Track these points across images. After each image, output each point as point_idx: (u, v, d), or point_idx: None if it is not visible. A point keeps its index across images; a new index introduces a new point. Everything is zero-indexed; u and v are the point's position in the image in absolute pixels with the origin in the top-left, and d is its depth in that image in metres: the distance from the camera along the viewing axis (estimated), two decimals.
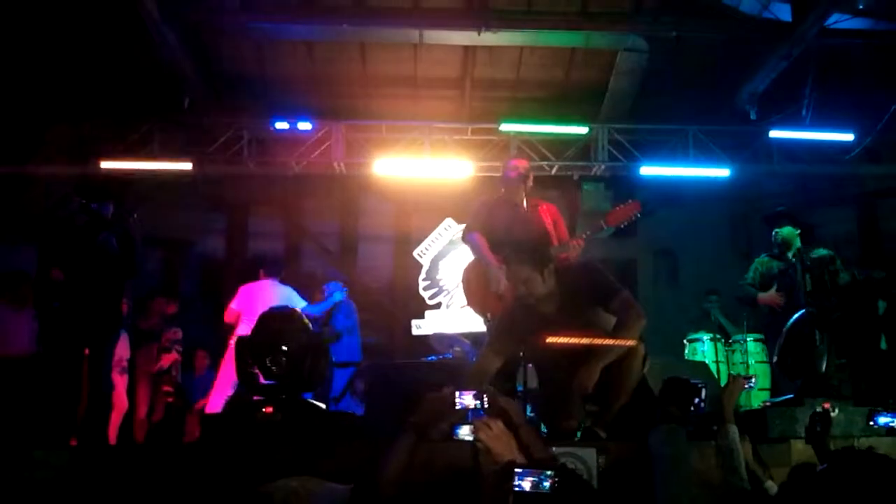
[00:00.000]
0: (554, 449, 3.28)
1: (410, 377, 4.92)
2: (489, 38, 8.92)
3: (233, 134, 9.55)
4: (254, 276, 7.24)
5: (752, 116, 9.62)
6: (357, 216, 11.00)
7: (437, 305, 10.40)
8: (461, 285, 5.38)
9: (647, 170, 9.68)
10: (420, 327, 10.06)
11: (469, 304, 5.29)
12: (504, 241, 4.69)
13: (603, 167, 9.84)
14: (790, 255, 6.36)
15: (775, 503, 3.00)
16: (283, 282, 7.17)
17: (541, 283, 3.85)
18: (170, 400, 7.94)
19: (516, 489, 2.12)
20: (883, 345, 6.30)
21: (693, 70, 9.71)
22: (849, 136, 9.46)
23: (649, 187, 9.59)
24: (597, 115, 10.10)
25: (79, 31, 8.53)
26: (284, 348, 4.31)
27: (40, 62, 8.73)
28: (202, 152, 9.44)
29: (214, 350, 7.29)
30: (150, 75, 9.07)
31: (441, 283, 10.45)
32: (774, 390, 6.61)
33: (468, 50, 9.72)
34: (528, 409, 4.50)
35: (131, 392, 7.34)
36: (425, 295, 10.45)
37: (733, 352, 7.82)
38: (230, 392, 6.57)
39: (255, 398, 4.45)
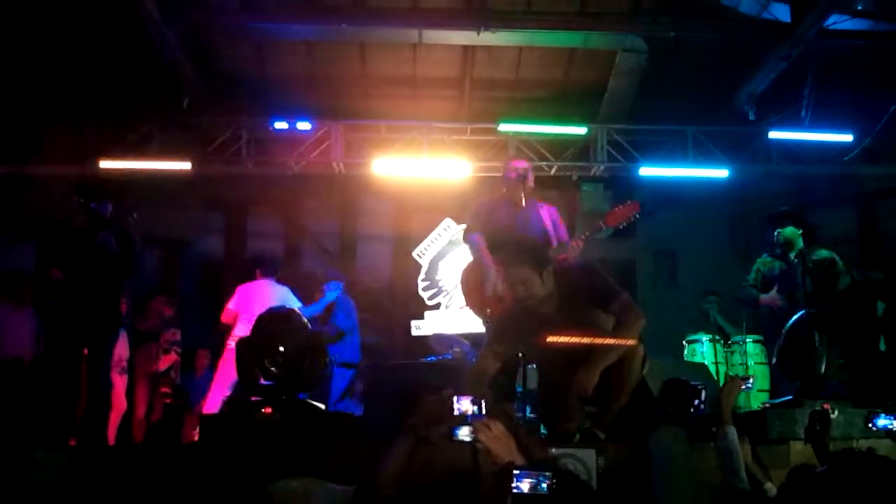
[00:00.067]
0: (553, 450, 3.29)
1: (409, 378, 4.91)
2: (488, 38, 8.92)
3: (232, 134, 9.55)
4: (252, 277, 7.24)
5: (751, 117, 9.63)
6: (356, 216, 11.00)
7: (437, 306, 10.40)
8: (460, 286, 5.38)
9: (646, 170, 9.69)
10: (419, 328, 10.07)
11: (468, 304, 5.29)
12: (504, 242, 4.68)
13: (602, 167, 9.84)
14: (792, 255, 6.34)
15: None
16: (280, 281, 7.17)
17: (540, 284, 3.85)
18: (168, 401, 7.95)
19: (515, 490, 2.12)
20: (882, 346, 6.30)
21: (692, 70, 9.72)
22: (848, 137, 9.47)
23: (648, 188, 9.59)
24: (596, 115, 10.10)
25: (78, 31, 8.53)
26: (282, 349, 4.32)
27: (40, 62, 8.72)
28: (201, 152, 9.45)
29: (215, 350, 7.29)
30: (150, 75, 9.07)
31: (440, 284, 10.45)
32: (773, 392, 6.61)
33: (467, 50, 9.72)
34: (528, 409, 4.49)
35: (130, 392, 7.34)
36: (424, 295, 10.46)
37: (732, 353, 7.81)
38: (227, 393, 6.58)
39: (254, 399, 4.47)
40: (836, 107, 9.19)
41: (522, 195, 5.15)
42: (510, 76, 10.17)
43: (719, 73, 9.68)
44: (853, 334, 5.75)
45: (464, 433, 2.54)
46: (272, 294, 6.84)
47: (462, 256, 7.67)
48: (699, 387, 3.64)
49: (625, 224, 5.20)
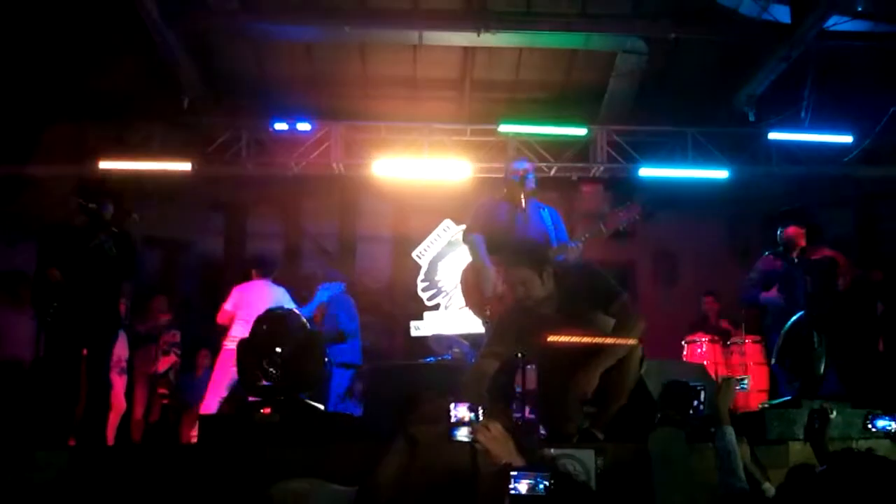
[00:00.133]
0: (552, 450, 3.28)
1: (409, 379, 4.91)
2: (488, 39, 8.92)
3: (232, 134, 9.56)
4: (247, 277, 7.23)
5: (751, 118, 9.64)
6: (356, 217, 10.99)
7: (436, 307, 10.40)
8: (460, 286, 5.38)
9: (646, 171, 9.70)
10: (419, 328, 10.06)
11: (468, 305, 5.29)
12: (503, 243, 4.69)
13: (602, 168, 9.85)
14: (794, 254, 6.33)
15: None
16: (276, 282, 7.16)
17: (539, 285, 3.85)
18: (165, 402, 7.95)
19: (512, 492, 2.13)
20: (881, 346, 6.31)
21: (692, 72, 9.72)
22: (847, 139, 9.49)
23: (648, 189, 9.59)
24: (596, 116, 10.11)
25: (78, 32, 8.53)
26: (278, 350, 4.33)
27: (40, 62, 8.72)
28: (201, 152, 9.46)
29: (216, 349, 7.29)
30: (150, 76, 9.07)
31: (440, 285, 10.44)
32: (772, 392, 6.61)
33: (467, 51, 9.73)
34: (528, 410, 4.49)
35: (129, 393, 7.35)
36: (424, 296, 10.45)
37: (732, 353, 7.83)
38: (224, 394, 6.59)
39: (253, 399, 4.47)
40: (836, 108, 9.20)
41: (523, 196, 5.15)
42: (510, 77, 10.18)
43: (719, 75, 9.69)
44: (852, 335, 5.75)
45: (462, 434, 2.54)
46: (268, 294, 6.83)
47: (461, 257, 7.67)
48: (699, 388, 3.64)
49: (625, 226, 5.20)
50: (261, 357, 4.33)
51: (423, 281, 10.49)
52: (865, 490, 1.89)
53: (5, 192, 9.08)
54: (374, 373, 5.85)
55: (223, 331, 6.89)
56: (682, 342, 8.07)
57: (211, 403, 6.56)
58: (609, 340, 3.84)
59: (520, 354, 4.23)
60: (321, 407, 4.67)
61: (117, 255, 5.26)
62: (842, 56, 8.97)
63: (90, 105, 9.06)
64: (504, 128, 9.67)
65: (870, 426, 3.44)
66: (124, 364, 7.02)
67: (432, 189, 9.80)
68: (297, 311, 5.19)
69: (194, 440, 5.31)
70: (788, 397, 4.40)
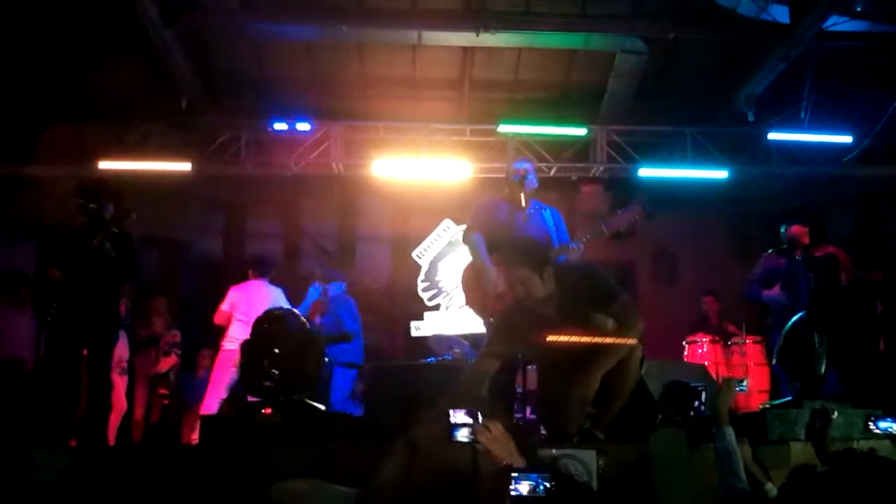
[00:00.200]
0: (554, 451, 3.29)
1: (409, 379, 4.91)
2: (488, 39, 8.91)
3: (231, 134, 9.56)
4: (244, 277, 7.23)
5: (751, 118, 9.64)
6: (355, 217, 10.98)
7: (437, 307, 10.40)
8: (461, 286, 5.38)
9: (646, 171, 9.70)
10: (419, 329, 10.05)
11: (469, 304, 5.28)
12: (503, 242, 4.69)
13: (601, 169, 9.85)
14: (797, 253, 6.33)
15: None
16: (273, 282, 7.15)
17: (540, 284, 3.84)
18: (165, 402, 7.95)
19: (513, 493, 2.13)
20: (881, 346, 6.31)
21: (691, 72, 9.72)
22: (847, 138, 9.48)
23: (648, 189, 9.59)
24: (595, 116, 10.11)
25: (77, 32, 8.52)
26: (277, 351, 4.34)
27: (39, 62, 8.71)
28: (201, 153, 9.46)
29: (216, 350, 7.28)
30: (149, 76, 9.06)
31: (440, 285, 10.44)
32: (774, 392, 6.61)
33: (467, 51, 9.72)
34: (529, 410, 4.50)
35: (130, 393, 7.34)
36: (424, 296, 10.45)
37: (732, 354, 7.83)
38: (224, 395, 6.59)
39: (254, 400, 4.48)
40: (836, 108, 9.20)
41: (523, 196, 5.15)
42: (509, 77, 10.17)
43: (718, 75, 9.69)
44: (852, 335, 5.75)
45: (463, 434, 2.54)
46: (265, 295, 6.83)
47: (462, 257, 7.67)
48: (699, 388, 3.65)
49: (626, 228, 5.20)
50: (262, 358, 4.34)
51: (423, 281, 10.48)
52: (867, 490, 1.89)
53: (4, 193, 9.07)
54: (375, 373, 5.85)
55: (223, 331, 6.89)
56: (683, 342, 8.07)
57: (211, 404, 6.56)
58: (608, 340, 3.84)
59: (520, 354, 4.23)
60: (322, 407, 4.67)
61: (117, 256, 5.26)
62: (841, 56, 8.97)
63: (89, 105, 9.04)
64: (503, 128, 9.67)
65: (872, 427, 3.44)
66: (125, 364, 7.01)
67: (432, 189, 9.80)
68: (296, 311, 5.19)
69: (195, 441, 5.31)
70: (789, 398, 4.40)
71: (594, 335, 3.84)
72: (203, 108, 9.64)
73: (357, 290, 8.03)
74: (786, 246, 6.45)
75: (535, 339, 3.90)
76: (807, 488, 2.01)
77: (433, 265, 10.51)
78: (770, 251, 6.55)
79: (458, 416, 2.60)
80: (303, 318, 4.78)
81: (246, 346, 4.59)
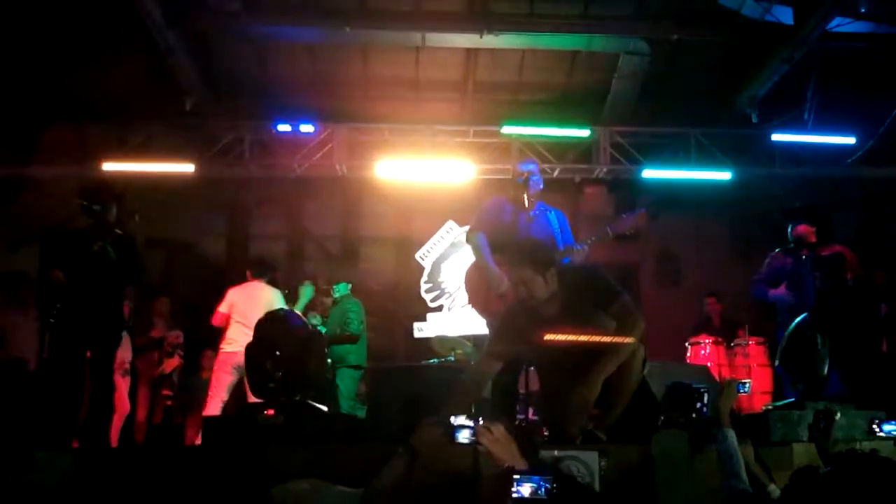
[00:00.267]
0: (556, 452, 3.28)
1: (412, 380, 4.91)
2: (491, 40, 8.92)
3: (234, 136, 9.58)
4: (242, 278, 7.22)
5: (754, 120, 9.64)
6: (359, 218, 10.99)
7: (440, 308, 10.39)
8: (464, 287, 5.38)
9: (649, 173, 9.70)
10: (422, 330, 10.04)
11: (472, 304, 5.28)
12: (507, 243, 4.68)
13: (604, 170, 9.86)
14: (804, 252, 6.30)
15: None
16: (272, 284, 7.15)
17: (543, 285, 3.85)
18: (168, 403, 7.95)
19: (515, 495, 2.12)
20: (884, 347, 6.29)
21: (695, 73, 9.72)
22: (850, 140, 9.47)
23: (651, 190, 9.59)
24: (598, 118, 10.11)
25: (80, 33, 8.53)
26: (278, 353, 4.35)
27: (41, 63, 8.72)
28: (204, 154, 9.48)
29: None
30: (152, 77, 9.07)
31: (443, 286, 10.44)
32: (776, 394, 6.60)
33: (470, 53, 9.72)
34: (531, 411, 4.50)
35: (132, 394, 7.34)
36: (427, 297, 10.45)
37: (735, 355, 7.81)
38: (226, 396, 6.58)
39: (256, 401, 4.48)
40: (839, 109, 9.18)
41: (527, 197, 5.15)
42: (513, 79, 10.17)
43: (722, 76, 9.68)
44: (856, 336, 5.73)
45: (464, 436, 2.54)
46: (263, 296, 6.81)
47: (465, 258, 7.66)
48: (702, 390, 3.64)
49: (631, 232, 5.19)
50: (264, 359, 4.34)
51: (426, 282, 10.48)
52: (870, 492, 1.88)
53: (7, 194, 9.09)
54: (377, 374, 5.85)
55: (223, 333, 6.89)
56: (686, 343, 8.06)
57: (213, 406, 6.56)
58: (609, 340, 3.83)
59: (522, 355, 4.23)
60: (324, 408, 4.68)
61: (118, 259, 5.25)
62: (845, 57, 8.96)
63: (92, 106, 9.06)
64: (507, 129, 9.68)
65: (876, 430, 3.43)
66: (128, 366, 7.02)
67: (435, 191, 9.81)
68: (297, 312, 5.20)
69: (199, 442, 5.31)
70: (792, 399, 4.39)
71: (595, 335, 3.84)
72: (206, 109, 9.65)
73: (360, 292, 8.04)
74: (792, 245, 6.42)
75: (538, 339, 3.90)
76: (809, 490, 2.00)
77: (436, 266, 10.50)
78: (777, 250, 6.51)
79: (459, 418, 2.60)
80: (304, 319, 4.78)
81: (250, 349, 4.60)
